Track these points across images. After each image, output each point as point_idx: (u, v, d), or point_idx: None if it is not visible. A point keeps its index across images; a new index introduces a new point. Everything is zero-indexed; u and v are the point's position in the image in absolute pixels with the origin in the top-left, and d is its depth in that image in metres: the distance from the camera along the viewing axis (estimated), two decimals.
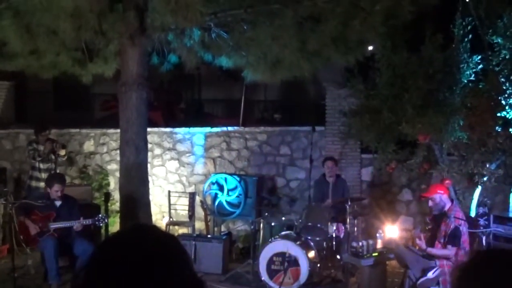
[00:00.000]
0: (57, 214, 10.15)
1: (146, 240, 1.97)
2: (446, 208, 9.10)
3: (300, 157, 14.27)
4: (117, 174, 13.11)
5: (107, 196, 13.10)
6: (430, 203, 9.27)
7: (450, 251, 8.82)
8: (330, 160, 11.95)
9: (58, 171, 12.89)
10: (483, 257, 2.39)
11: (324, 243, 10.65)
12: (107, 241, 2.05)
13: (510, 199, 11.44)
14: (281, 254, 10.07)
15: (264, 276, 10.21)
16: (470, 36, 11.12)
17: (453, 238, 8.82)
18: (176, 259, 1.97)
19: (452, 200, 9.36)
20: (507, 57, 10.90)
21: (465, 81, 11.15)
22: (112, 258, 1.91)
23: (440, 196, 9.14)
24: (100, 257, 1.96)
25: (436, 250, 8.99)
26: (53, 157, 12.68)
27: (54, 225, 10.00)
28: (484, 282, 2.23)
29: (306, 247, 10.17)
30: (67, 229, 10.06)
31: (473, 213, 11.00)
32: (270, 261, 10.19)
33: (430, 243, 9.12)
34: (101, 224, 10.49)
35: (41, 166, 12.74)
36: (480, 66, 11.17)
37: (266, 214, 11.69)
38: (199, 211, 13.61)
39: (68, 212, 10.21)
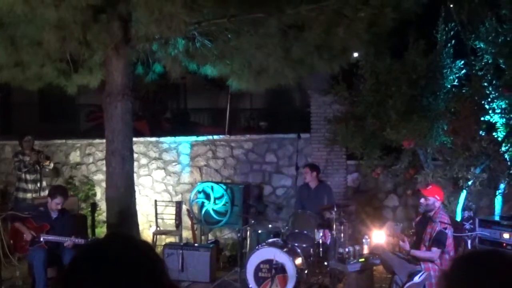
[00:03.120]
0: (51, 226, 10.11)
1: (121, 249, 1.98)
2: (433, 212, 9.15)
3: (286, 164, 14.29)
4: (104, 184, 13.10)
5: (94, 206, 13.12)
6: (423, 200, 9.27)
7: (434, 253, 8.85)
8: (305, 166, 11.96)
9: (44, 182, 12.95)
10: (465, 262, 2.42)
11: (311, 250, 10.66)
12: (82, 251, 2.06)
13: (495, 202, 11.51)
14: (268, 262, 10.07)
15: (252, 284, 10.21)
16: (453, 41, 11.21)
17: (438, 240, 8.86)
18: (151, 267, 1.98)
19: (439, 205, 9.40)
20: (489, 61, 10.99)
21: (449, 86, 11.23)
22: (87, 267, 1.92)
23: (435, 201, 9.19)
24: (75, 267, 1.97)
25: (420, 252, 9.03)
26: (38, 167, 12.73)
27: (46, 237, 9.97)
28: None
29: (293, 254, 10.18)
30: (57, 242, 10.03)
31: (458, 217, 11.05)
32: (257, 269, 10.18)
33: (416, 247, 9.16)
34: None
35: (28, 177, 12.80)
36: (463, 71, 11.26)
37: (253, 222, 11.70)
38: (186, 220, 13.59)
39: (62, 226, 10.16)
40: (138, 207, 12.37)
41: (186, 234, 13.71)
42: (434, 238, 8.89)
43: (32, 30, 10.52)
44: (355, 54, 12.37)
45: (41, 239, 9.97)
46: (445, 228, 8.92)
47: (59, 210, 10.24)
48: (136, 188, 12.55)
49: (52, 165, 13.23)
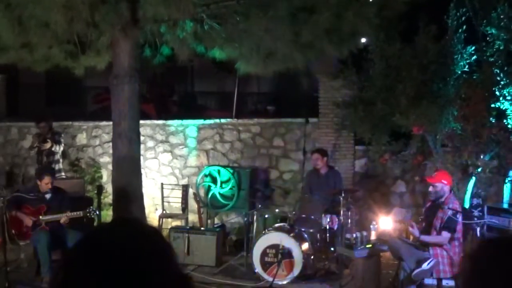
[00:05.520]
0: (48, 207, 10.11)
1: (128, 234, 1.92)
2: (443, 198, 9.09)
3: (294, 149, 14.22)
4: (110, 167, 13.09)
5: (100, 189, 13.04)
6: (431, 188, 9.24)
7: (444, 237, 8.80)
8: (314, 152, 11.88)
9: (57, 165, 13.04)
10: (493, 245, 2.36)
11: (318, 235, 10.64)
12: (87, 236, 1.98)
13: (504, 190, 11.43)
14: (275, 246, 10.06)
15: (258, 268, 10.19)
16: (464, 27, 11.09)
17: (449, 225, 8.82)
18: (159, 253, 1.91)
19: (450, 191, 9.33)
20: (501, 48, 10.89)
21: (459, 72, 11.13)
22: (92, 252, 1.85)
23: (443, 186, 9.13)
24: (80, 252, 1.90)
25: (430, 237, 8.99)
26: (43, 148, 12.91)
27: (45, 218, 9.97)
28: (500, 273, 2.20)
29: (299, 239, 10.16)
30: (59, 222, 10.01)
31: (467, 205, 10.99)
32: (264, 253, 10.17)
33: (425, 233, 9.11)
34: (92, 216, 10.43)
35: (41, 159, 12.98)
36: (474, 57, 11.16)
37: (260, 206, 11.67)
38: (192, 204, 13.57)
39: (59, 204, 10.17)
40: (144, 190, 12.35)
41: (192, 217, 13.68)
42: (446, 221, 8.84)
43: (39, 11, 10.45)
44: (364, 39, 12.28)
45: (41, 221, 9.96)
46: (456, 214, 8.86)
47: (52, 190, 10.23)
48: (142, 171, 12.54)
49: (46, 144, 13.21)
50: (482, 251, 2.32)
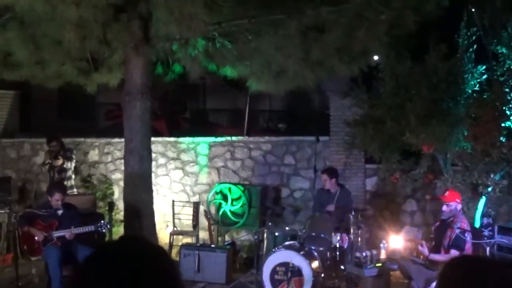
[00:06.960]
0: (59, 222, 10.14)
1: (136, 252, 1.95)
2: (453, 217, 9.11)
3: (305, 167, 14.22)
4: (122, 183, 13.12)
5: (111, 205, 13.11)
6: (445, 207, 9.26)
7: (453, 256, 8.79)
8: (323, 173, 11.84)
9: (69, 181, 13.08)
10: (460, 265, 2.42)
11: (328, 253, 10.61)
12: (95, 253, 2.02)
13: None
14: (285, 264, 10.03)
15: (268, 286, 10.17)
16: (475, 46, 11.11)
17: (457, 243, 8.84)
18: (166, 271, 1.95)
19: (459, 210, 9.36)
20: (511, 67, 10.89)
21: (469, 91, 11.13)
22: (97, 272, 1.89)
23: (456, 205, 9.18)
24: (85, 272, 1.94)
25: (439, 256, 9.01)
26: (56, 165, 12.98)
27: (56, 234, 10.00)
28: None
29: (309, 257, 10.14)
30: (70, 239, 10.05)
31: (477, 224, 10.96)
32: (274, 271, 10.14)
33: (435, 252, 9.12)
34: (103, 230, 10.46)
35: (53, 175, 13.06)
36: (485, 76, 11.16)
37: (270, 224, 11.66)
38: (203, 221, 13.57)
39: (70, 220, 10.19)
40: (155, 207, 12.38)
41: (203, 235, 13.68)
42: (454, 239, 8.86)
43: (53, 29, 10.56)
44: (375, 57, 12.31)
45: (53, 236, 9.99)
46: (464, 233, 8.87)
47: (64, 205, 10.27)
48: (153, 187, 12.57)
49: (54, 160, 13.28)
50: (451, 270, 2.37)
